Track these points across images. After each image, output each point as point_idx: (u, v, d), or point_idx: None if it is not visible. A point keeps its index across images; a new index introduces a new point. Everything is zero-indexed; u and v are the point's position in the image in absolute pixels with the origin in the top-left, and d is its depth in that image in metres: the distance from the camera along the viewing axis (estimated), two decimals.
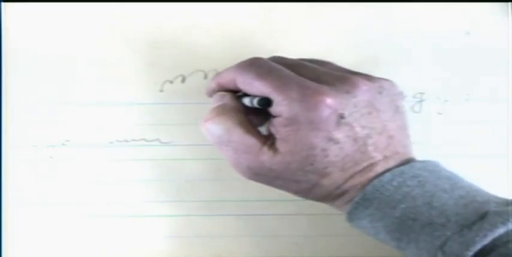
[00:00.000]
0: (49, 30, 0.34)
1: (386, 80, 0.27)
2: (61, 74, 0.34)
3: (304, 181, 0.26)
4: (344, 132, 0.25)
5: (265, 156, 0.26)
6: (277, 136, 0.25)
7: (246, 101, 0.27)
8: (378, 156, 0.25)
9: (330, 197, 0.27)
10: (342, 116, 0.24)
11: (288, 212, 0.34)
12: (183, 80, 0.34)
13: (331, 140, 0.24)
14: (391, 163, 0.26)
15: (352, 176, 0.25)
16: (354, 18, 0.34)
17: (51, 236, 0.34)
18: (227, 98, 0.28)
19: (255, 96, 0.26)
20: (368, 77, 0.26)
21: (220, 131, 0.26)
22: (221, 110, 0.27)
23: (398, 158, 0.26)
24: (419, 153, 0.34)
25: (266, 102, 0.25)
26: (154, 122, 0.34)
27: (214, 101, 0.29)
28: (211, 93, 0.30)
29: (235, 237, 0.35)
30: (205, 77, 0.34)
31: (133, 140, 0.34)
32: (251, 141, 0.26)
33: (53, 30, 0.34)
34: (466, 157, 0.34)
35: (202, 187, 0.34)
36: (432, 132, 0.34)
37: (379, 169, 0.25)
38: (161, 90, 0.34)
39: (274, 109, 0.25)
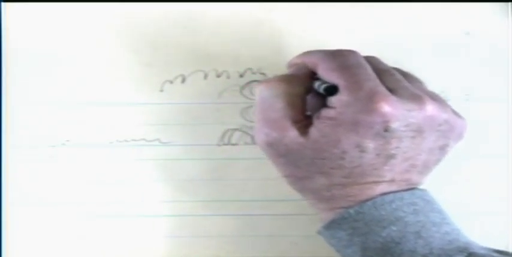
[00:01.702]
0: (49, 30, 0.34)
1: (461, 118, 0.27)
2: (61, 74, 0.34)
3: (304, 170, 0.26)
4: (376, 144, 0.24)
5: (292, 133, 0.25)
6: (316, 123, 0.25)
7: (316, 84, 0.27)
8: (386, 176, 0.25)
9: (315, 195, 0.27)
10: (386, 129, 0.24)
11: (287, 212, 0.34)
12: (183, 80, 0.34)
13: (358, 146, 0.24)
14: (393, 187, 0.26)
15: (349, 186, 0.25)
16: (354, 18, 0.34)
17: (51, 236, 0.34)
18: (301, 71, 0.28)
19: (325, 82, 0.26)
20: (444, 107, 0.26)
21: (268, 94, 0.26)
22: (285, 78, 0.27)
23: (404, 185, 0.26)
24: None
25: (331, 90, 0.25)
26: (154, 122, 0.34)
27: (290, 70, 0.29)
28: (291, 66, 0.30)
29: (234, 237, 0.35)
30: (205, 77, 0.34)
31: (133, 140, 0.34)
32: (288, 114, 0.26)
33: (53, 30, 0.34)
34: (466, 157, 0.34)
35: (202, 187, 0.34)
36: None
37: (380, 189, 0.25)
38: (161, 90, 0.34)
39: (332, 100, 0.25)
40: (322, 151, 0.25)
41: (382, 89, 0.24)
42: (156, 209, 0.34)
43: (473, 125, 0.34)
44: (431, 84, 0.35)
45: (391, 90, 0.25)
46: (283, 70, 0.34)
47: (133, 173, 0.34)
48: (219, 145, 0.34)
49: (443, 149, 0.27)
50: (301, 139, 0.25)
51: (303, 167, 0.26)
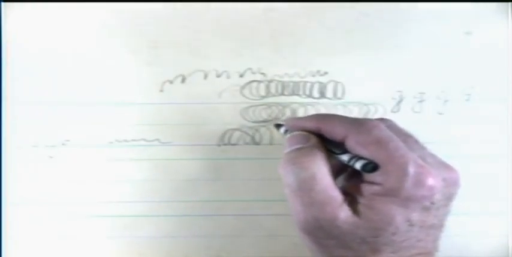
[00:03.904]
0: (49, 30, 0.34)
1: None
2: (61, 74, 0.34)
3: (355, 250, 0.25)
4: (421, 217, 0.24)
5: (344, 213, 0.24)
6: (363, 200, 0.25)
7: (345, 157, 0.25)
8: (428, 247, 0.26)
9: None
10: (433, 202, 0.24)
11: (287, 212, 0.34)
12: (183, 80, 0.34)
13: (408, 221, 0.24)
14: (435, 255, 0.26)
15: None
16: (354, 18, 0.34)
17: (51, 235, 0.34)
18: (314, 141, 0.27)
19: (360, 157, 0.25)
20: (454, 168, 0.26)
21: (305, 177, 0.25)
22: (309, 153, 0.26)
23: (435, 252, 0.26)
24: None
25: (372, 167, 0.24)
26: (154, 122, 0.34)
27: (296, 141, 0.27)
28: (289, 127, 0.29)
29: (234, 237, 0.35)
30: (205, 77, 0.34)
31: (133, 140, 0.34)
32: (335, 194, 0.25)
33: (53, 30, 0.34)
34: (466, 157, 0.34)
35: (202, 187, 0.34)
36: (432, 132, 0.34)
37: None
38: (161, 90, 0.34)
39: (376, 177, 0.24)
40: (376, 229, 0.24)
41: (421, 162, 0.24)
42: (156, 209, 0.34)
43: (473, 125, 0.35)
44: (431, 84, 0.35)
45: (421, 159, 0.25)
46: (283, 70, 0.34)
47: (133, 173, 0.34)
48: (219, 145, 0.34)
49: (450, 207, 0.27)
50: (354, 219, 0.24)
51: (354, 247, 0.25)
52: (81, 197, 0.34)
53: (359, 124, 0.26)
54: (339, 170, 0.27)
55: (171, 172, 0.34)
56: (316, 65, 0.34)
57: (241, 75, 0.34)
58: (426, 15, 0.34)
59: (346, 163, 0.26)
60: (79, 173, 0.34)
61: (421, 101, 0.35)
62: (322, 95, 0.35)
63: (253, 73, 0.34)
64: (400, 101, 0.35)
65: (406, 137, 0.26)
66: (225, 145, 0.34)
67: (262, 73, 0.34)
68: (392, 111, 0.35)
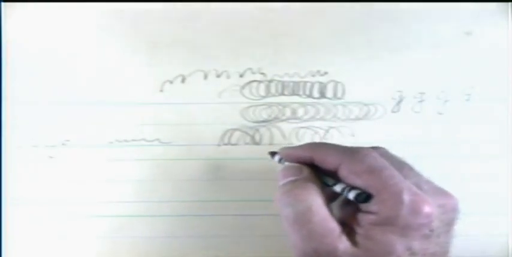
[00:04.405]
0: (49, 30, 0.34)
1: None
2: (61, 74, 0.34)
3: None
4: (423, 245, 0.24)
5: (343, 244, 0.24)
6: (360, 230, 0.25)
7: (338, 188, 0.26)
8: None
9: None
10: (431, 229, 0.24)
11: None
12: (183, 80, 0.34)
13: (409, 249, 0.24)
14: None
15: None
16: (354, 18, 0.34)
17: (51, 235, 0.34)
18: (307, 173, 0.27)
19: (352, 187, 0.25)
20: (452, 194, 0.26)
21: (301, 210, 0.25)
22: (304, 186, 0.26)
23: None
24: (419, 153, 0.34)
25: (365, 197, 0.24)
26: (154, 122, 0.34)
27: (289, 173, 0.27)
28: (283, 157, 0.29)
29: (234, 237, 0.35)
30: (205, 77, 0.34)
31: (133, 140, 0.34)
32: (332, 225, 0.25)
33: (53, 30, 0.34)
34: (466, 157, 0.34)
35: (202, 187, 0.34)
36: (432, 132, 0.34)
37: None
38: (161, 90, 0.34)
39: (371, 206, 0.24)
40: None
41: (416, 189, 0.24)
42: (156, 209, 0.34)
43: (473, 125, 0.35)
44: (431, 84, 0.35)
45: (416, 186, 0.25)
46: (283, 70, 0.34)
47: (133, 173, 0.34)
48: (219, 145, 0.34)
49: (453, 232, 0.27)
50: (354, 249, 0.24)
51: None
52: (81, 197, 0.34)
53: (351, 153, 0.26)
54: (332, 198, 0.28)
55: (171, 172, 0.34)
56: (316, 65, 0.34)
57: (241, 75, 0.34)
58: (426, 15, 0.34)
59: (339, 193, 0.26)
60: (79, 173, 0.34)
61: (421, 101, 0.35)
62: (322, 95, 0.35)
63: (253, 73, 0.34)
64: (400, 101, 0.35)
65: (400, 164, 0.26)
66: (225, 144, 0.34)
67: (262, 73, 0.34)
68: (393, 111, 0.35)
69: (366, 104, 0.34)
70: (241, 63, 0.34)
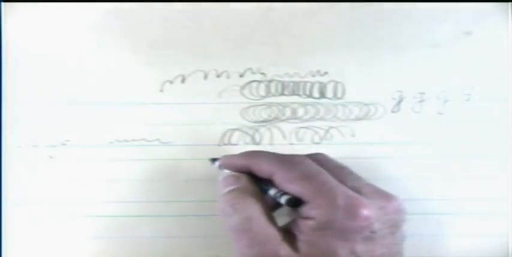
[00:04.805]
0: (49, 30, 0.34)
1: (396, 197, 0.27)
2: (61, 74, 0.34)
3: None
4: (367, 247, 0.24)
5: (284, 251, 0.25)
6: (301, 237, 0.25)
7: (272, 192, 0.26)
8: None
9: None
10: (373, 231, 0.24)
11: (287, 212, 0.34)
12: (183, 80, 0.34)
13: (353, 253, 0.24)
14: None
15: None
16: (354, 18, 0.34)
17: (51, 235, 0.34)
18: (245, 181, 0.28)
19: (284, 193, 0.26)
20: (394, 196, 0.26)
21: (241, 219, 0.26)
22: (241, 195, 0.27)
23: None
24: (419, 153, 0.34)
25: (296, 202, 0.25)
26: (154, 122, 0.34)
27: (227, 183, 0.28)
28: (222, 164, 0.29)
29: None
30: (205, 77, 0.34)
31: (133, 140, 0.34)
32: (273, 232, 0.25)
33: (52, 30, 0.34)
34: (466, 157, 0.34)
35: (202, 187, 0.34)
36: (432, 132, 0.34)
37: None
38: (161, 90, 0.34)
39: (306, 211, 0.25)
40: None
41: (352, 193, 0.25)
42: (156, 209, 0.34)
43: (473, 125, 0.35)
44: (431, 84, 0.35)
45: (355, 190, 0.25)
46: (283, 70, 0.34)
47: (133, 173, 0.34)
48: (219, 145, 0.34)
49: (403, 234, 0.27)
50: (295, 255, 0.24)
51: None
52: (81, 197, 0.34)
53: (285, 161, 0.26)
54: (277, 206, 0.28)
55: (171, 172, 0.34)
56: (316, 65, 0.34)
57: (241, 75, 0.34)
58: (426, 15, 0.34)
59: (271, 197, 0.26)
60: (79, 173, 0.34)
61: (421, 101, 0.35)
62: (322, 95, 0.35)
63: (253, 73, 0.34)
64: (400, 101, 0.35)
65: (338, 169, 0.27)
66: (225, 144, 0.34)
67: (262, 73, 0.34)
68: (393, 111, 0.35)
69: (366, 104, 0.34)
70: (241, 63, 0.34)
